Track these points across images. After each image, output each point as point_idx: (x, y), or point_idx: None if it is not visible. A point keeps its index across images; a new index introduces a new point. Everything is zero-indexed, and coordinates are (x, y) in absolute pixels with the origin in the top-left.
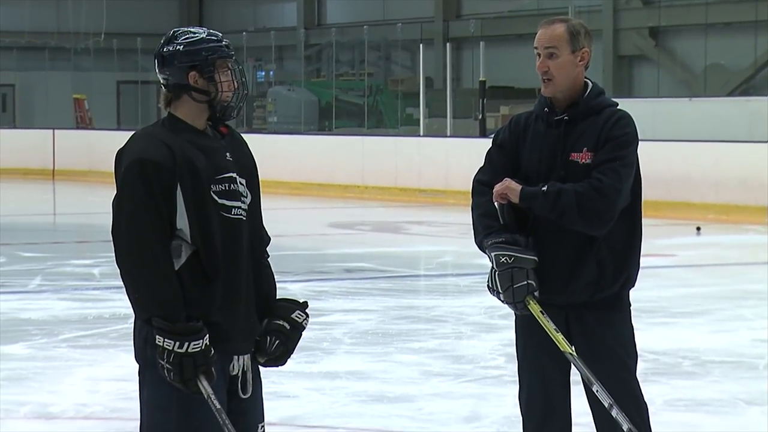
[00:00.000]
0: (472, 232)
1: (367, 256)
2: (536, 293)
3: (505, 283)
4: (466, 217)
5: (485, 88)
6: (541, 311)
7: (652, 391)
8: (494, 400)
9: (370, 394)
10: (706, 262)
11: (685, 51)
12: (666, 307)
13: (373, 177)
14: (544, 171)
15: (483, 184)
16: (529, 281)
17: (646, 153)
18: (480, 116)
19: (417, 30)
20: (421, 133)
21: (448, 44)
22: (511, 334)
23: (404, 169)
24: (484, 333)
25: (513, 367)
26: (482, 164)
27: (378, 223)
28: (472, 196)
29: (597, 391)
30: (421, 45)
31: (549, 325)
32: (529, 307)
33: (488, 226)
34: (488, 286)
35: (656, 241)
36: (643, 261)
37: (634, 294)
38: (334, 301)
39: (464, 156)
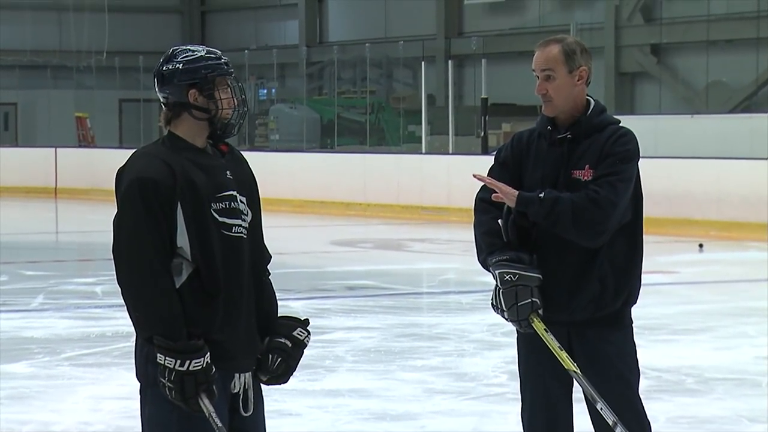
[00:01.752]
0: (475, 249)
1: (369, 274)
2: (540, 311)
3: (509, 301)
4: (468, 235)
5: (487, 105)
6: (545, 329)
7: (655, 408)
8: (497, 417)
9: (372, 412)
10: (708, 279)
11: (687, 68)
12: (668, 324)
13: (375, 194)
14: (545, 184)
15: (485, 201)
16: (534, 299)
17: (648, 170)
18: (482, 133)
19: (419, 47)
20: (423, 151)
21: (449, 61)
22: (514, 352)
23: (406, 186)
24: (486, 350)
25: (516, 385)
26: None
27: (380, 240)
28: (475, 214)
29: (601, 409)
30: (422, 62)
31: (553, 344)
32: (533, 325)
33: (491, 244)
34: (492, 303)
35: (659, 258)
36: (646, 278)
37: (636, 311)
38: (337, 318)
39: (466, 173)
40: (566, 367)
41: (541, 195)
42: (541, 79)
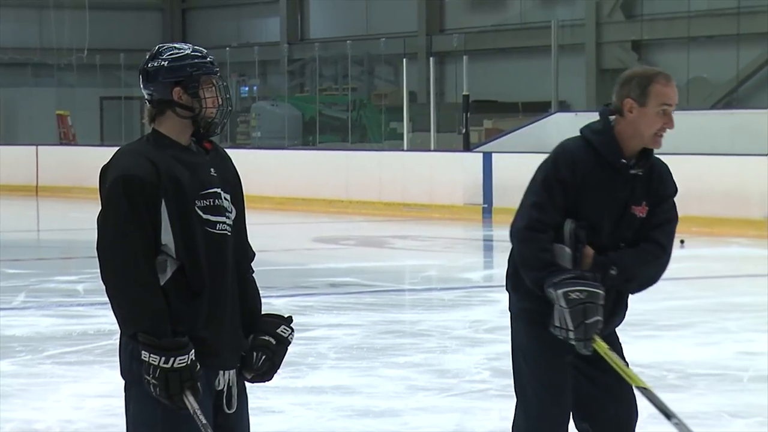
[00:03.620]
0: (523, 266)
1: (351, 271)
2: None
3: (577, 320)
4: (450, 231)
5: (469, 102)
6: (608, 348)
7: (639, 404)
8: (480, 414)
9: (355, 409)
10: (690, 275)
11: (668, 64)
12: (651, 321)
13: (357, 191)
14: (606, 219)
15: (544, 223)
16: (599, 317)
17: None
18: (464, 130)
19: (400, 44)
20: (405, 148)
21: (431, 58)
22: (497, 349)
23: (388, 183)
24: (469, 347)
25: (499, 381)
26: (535, 197)
27: (362, 237)
28: (527, 231)
29: (677, 423)
30: (404, 59)
31: (619, 363)
32: (595, 345)
33: (550, 263)
34: (555, 326)
35: None
36: None
37: None
38: (319, 316)
39: (448, 170)
40: (637, 385)
41: (614, 272)
42: (668, 113)
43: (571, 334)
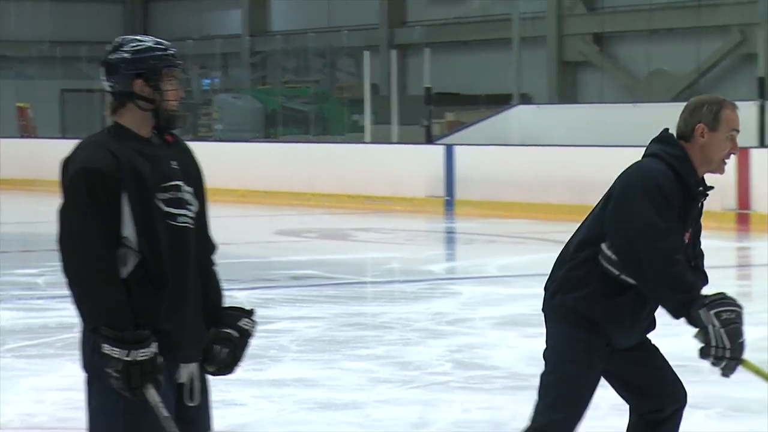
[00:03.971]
0: (668, 287)
1: (314, 264)
2: None
3: (735, 339)
4: (412, 224)
5: (431, 94)
6: (758, 366)
7: (598, 395)
8: (442, 406)
9: (317, 402)
10: None
11: (629, 57)
12: None
13: (319, 184)
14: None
15: (680, 247)
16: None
17: (591, 159)
18: (426, 123)
19: (362, 37)
20: (368, 140)
21: (393, 51)
22: (458, 340)
23: (351, 176)
24: (431, 339)
25: (461, 373)
26: (662, 221)
27: (325, 230)
28: (676, 254)
29: None
30: (366, 52)
31: None
32: (744, 364)
33: (696, 285)
34: (711, 346)
35: None
36: None
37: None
38: (281, 308)
39: (410, 162)
40: None
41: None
42: (734, 139)
43: (728, 353)
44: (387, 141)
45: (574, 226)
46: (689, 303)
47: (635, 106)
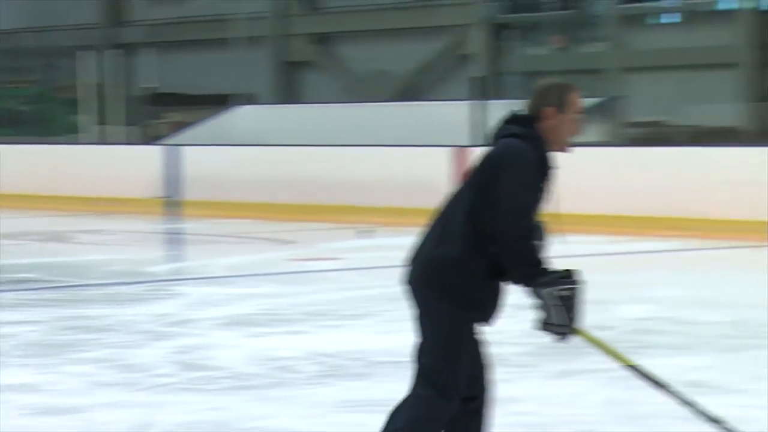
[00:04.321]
0: (518, 260)
1: (34, 267)
2: None
3: (570, 315)
4: (134, 225)
5: (153, 94)
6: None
7: (321, 392)
8: (166, 407)
9: (39, 407)
10: (372, 264)
11: (352, 57)
12: (334, 310)
13: (40, 185)
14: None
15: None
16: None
17: (315, 158)
18: (148, 123)
19: (82, 36)
20: (89, 141)
21: (112, 50)
22: (183, 341)
23: (72, 177)
24: (155, 341)
25: (185, 375)
26: (526, 197)
27: (45, 233)
28: (527, 230)
29: (672, 392)
30: (80, 52)
31: (605, 344)
32: (580, 333)
33: (541, 260)
34: (547, 322)
35: (323, 245)
36: (310, 264)
37: (303, 298)
38: (1, 313)
39: (132, 163)
40: (626, 364)
41: None
42: (578, 120)
43: (564, 329)
44: (108, 141)
45: (301, 225)
46: (533, 277)
47: (356, 106)
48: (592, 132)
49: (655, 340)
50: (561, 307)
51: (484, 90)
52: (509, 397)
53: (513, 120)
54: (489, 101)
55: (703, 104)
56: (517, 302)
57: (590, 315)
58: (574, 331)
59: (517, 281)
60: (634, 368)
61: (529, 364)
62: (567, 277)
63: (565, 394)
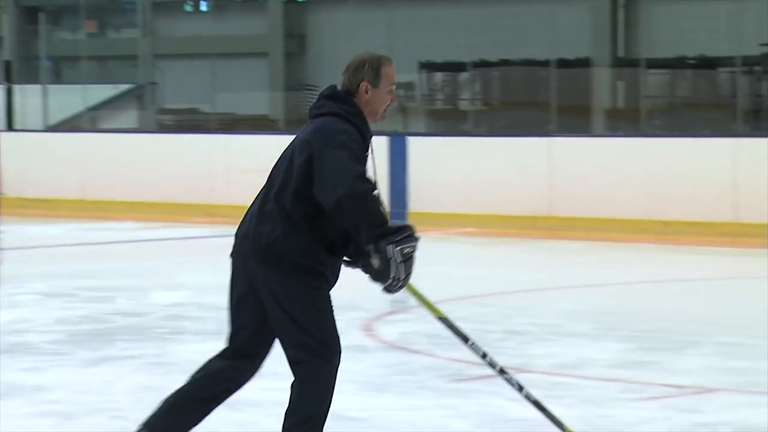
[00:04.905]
0: (364, 223)
1: None
2: None
3: (408, 271)
4: None
5: None
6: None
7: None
8: None
9: None
10: None
11: None
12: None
13: None
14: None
15: (373, 187)
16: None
17: None
18: None
19: None
20: None
21: None
22: None
23: None
24: None
25: None
26: (356, 166)
27: None
28: (368, 193)
29: (472, 344)
30: None
31: (424, 297)
32: (408, 288)
33: (386, 220)
34: (390, 277)
35: None
36: None
37: None
38: None
39: None
40: (438, 316)
41: None
42: (393, 92)
43: (400, 282)
44: None
45: None
46: (382, 235)
47: None
48: (125, 118)
49: (187, 326)
50: (404, 263)
51: (12, 74)
52: (39, 385)
53: (330, 96)
54: (19, 85)
55: (235, 92)
56: (47, 290)
57: (124, 302)
58: (405, 285)
59: (366, 242)
60: (444, 320)
61: (60, 352)
62: (411, 234)
63: (98, 382)
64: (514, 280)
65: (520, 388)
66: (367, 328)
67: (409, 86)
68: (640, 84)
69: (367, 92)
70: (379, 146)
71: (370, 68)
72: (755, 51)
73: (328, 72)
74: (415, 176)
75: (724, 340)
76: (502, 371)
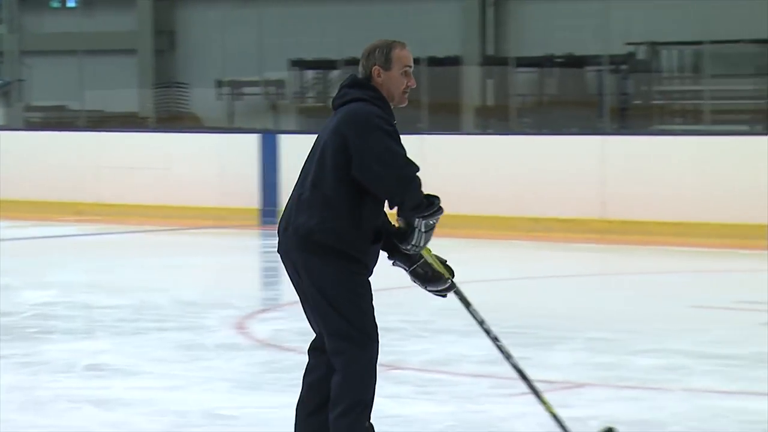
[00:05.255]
0: (412, 201)
1: None
2: None
3: (428, 239)
4: None
5: None
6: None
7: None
8: None
9: None
10: None
11: None
12: None
13: None
14: None
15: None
16: None
17: None
18: None
19: None
20: None
21: None
22: None
23: None
24: None
25: None
26: (399, 149)
27: None
28: (416, 174)
29: (473, 310)
30: None
31: (437, 261)
32: (425, 251)
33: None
34: (411, 244)
35: None
36: None
37: None
38: None
39: None
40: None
41: None
42: (409, 74)
43: (418, 249)
44: None
45: None
46: (421, 212)
47: None
48: None
49: (56, 325)
50: (425, 233)
51: None
52: None
53: (351, 84)
54: None
55: (104, 90)
56: None
57: None
58: (422, 250)
59: (409, 216)
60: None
61: None
62: (438, 209)
63: None
64: (386, 278)
65: (509, 356)
66: (240, 326)
67: (279, 84)
68: (509, 82)
69: (379, 76)
70: (251, 144)
71: (381, 52)
72: (622, 50)
73: (198, 69)
74: (287, 173)
75: (593, 335)
76: (495, 339)
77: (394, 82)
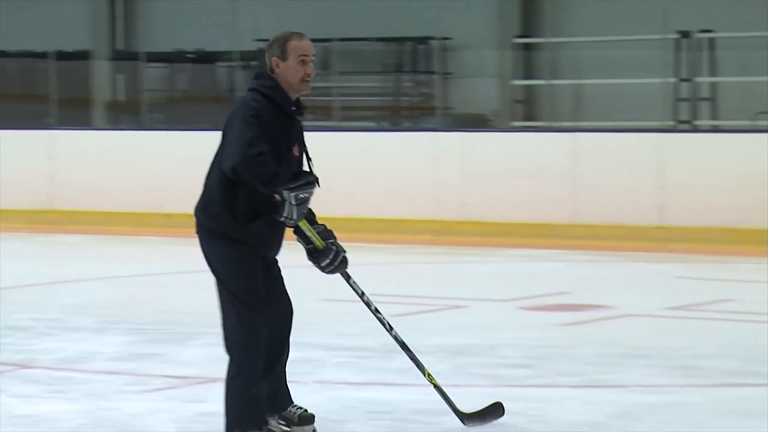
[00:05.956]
0: (260, 181)
1: None
2: None
3: (300, 213)
4: None
5: None
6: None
7: None
8: None
9: None
10: None
11: None
12: None
13: None
14: (283, 158)
15: (265, 150)
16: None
17: None
18: None
19: None
20: None
21: None
22: None
23: None
24: None
25: None
26: (248, 133)
27: None
28: (259, 155)
29: (354, 282)
30: None
31: (314, 231)
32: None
33: (280, 173)
34: (283, 216)
35: None
36: None
37: None
38: None
39: None
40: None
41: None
42: (307, 63)
43: (292, 222)
44: None
45: None
46: (277, 185)
47: None
48: None
49: None
50: (297, 206)
51: None
52: None
53: (255, 76)
54: None
55: None
56: None
57: None
58: (297, 224)
59: (269, 192)
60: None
61: None
62: (307, 182)
63: None
64: (13, 275)
65: (390, 328)
66: None
67: None
68: (140, 77)
69: (278, 66)
70: None
71: (278, 44)
72: (251, 46)
73: None
74: None
75: None
76: (376, 311)
77: (291, 71)
